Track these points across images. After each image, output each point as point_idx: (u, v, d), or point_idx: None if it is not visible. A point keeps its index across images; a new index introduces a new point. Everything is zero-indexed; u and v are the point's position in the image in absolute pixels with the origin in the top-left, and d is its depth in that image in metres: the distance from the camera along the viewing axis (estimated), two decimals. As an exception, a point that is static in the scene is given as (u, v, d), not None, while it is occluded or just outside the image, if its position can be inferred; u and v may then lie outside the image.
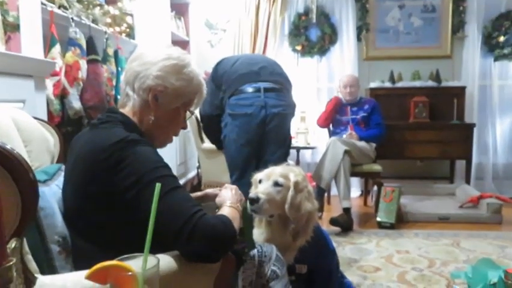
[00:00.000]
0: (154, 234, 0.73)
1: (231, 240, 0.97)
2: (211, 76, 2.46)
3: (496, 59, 4.30)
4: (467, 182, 4.09)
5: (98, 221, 1.01)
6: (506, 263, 2.49)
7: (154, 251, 0.73)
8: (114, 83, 2.64)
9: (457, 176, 4.30)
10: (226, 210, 1.10)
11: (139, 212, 0.93)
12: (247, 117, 2.25)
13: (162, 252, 0.91)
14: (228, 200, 1.17)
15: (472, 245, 2.87)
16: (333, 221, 3.15)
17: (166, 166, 1.02)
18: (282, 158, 2.22)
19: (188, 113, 1.23)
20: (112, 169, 0.96)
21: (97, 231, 1.02)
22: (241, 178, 2.26)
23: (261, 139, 2.28)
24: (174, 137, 1.26)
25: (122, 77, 1.19)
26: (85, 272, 0.69)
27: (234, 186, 1.27)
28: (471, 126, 4.07)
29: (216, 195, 1.28)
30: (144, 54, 1.15)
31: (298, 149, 4.21)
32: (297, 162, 4.13)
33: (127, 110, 1.14)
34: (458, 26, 4.33)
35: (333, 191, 3.66)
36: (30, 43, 1.87)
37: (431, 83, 4.26)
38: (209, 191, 1.36)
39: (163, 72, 1.11)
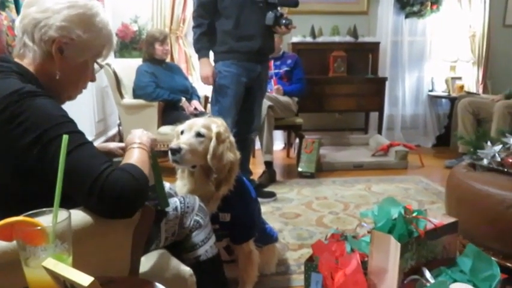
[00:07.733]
0: (62, 195, 0.69)
1: (143, 194, 0.94)
2: None
3: (406, 16, 4.56)
4: (379, 132, 4.43)
5: None
6: (409, 202, 2.80)
7: (65, 206, 0.70)
8: (16, 32, 2.37)
9: (371, 126, 4.62)
10: (135, 155, 1.03)
11: (42, 171, 0.86)
12: None
13: (73, 207, 0.87)
14: (136, 138, 1.11)
15: (381, 189, 3.16)
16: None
17: (71, 121, 0.94)
18: None
19: (97, 66, 1.15)
20: (7, 124, 0.88)
21: None
22: None
23: None
24: (92, 94, 1.17)
25: (16, 23, 1.06)
26: (-13, 231, 0.65)
27: (142, 129, 1.21)
28: (383, 80, 4.35)
29: (120, 148, 1.23)
30: None
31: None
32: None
33: (26, 62, 1.02)
34: (374, -18, 4.49)
35: (257, 145, 3.75)
36: None
37: (349, 39, 4.42)
38: (112, 145, 1.30)
39: (67, 23, 1.00)
